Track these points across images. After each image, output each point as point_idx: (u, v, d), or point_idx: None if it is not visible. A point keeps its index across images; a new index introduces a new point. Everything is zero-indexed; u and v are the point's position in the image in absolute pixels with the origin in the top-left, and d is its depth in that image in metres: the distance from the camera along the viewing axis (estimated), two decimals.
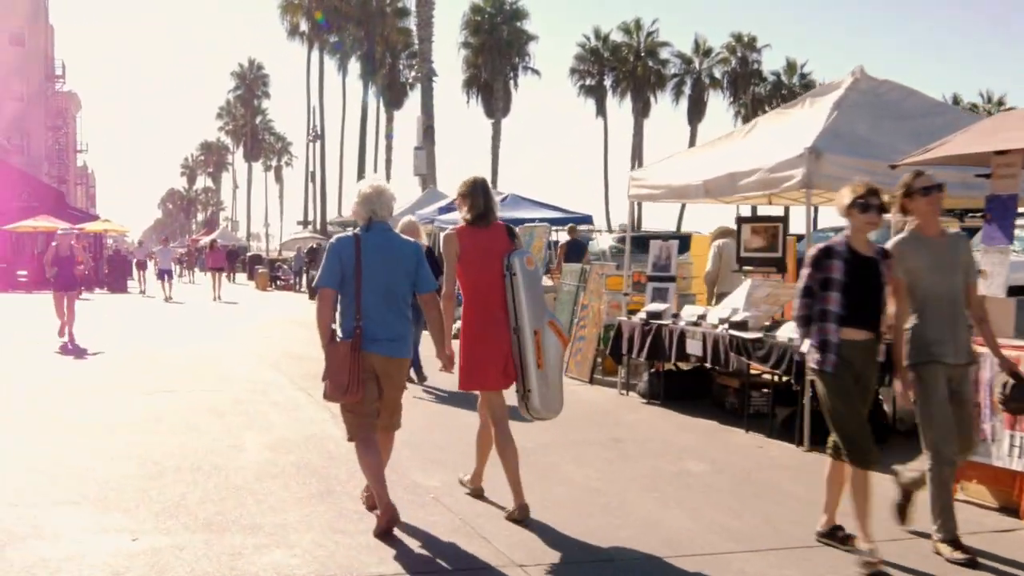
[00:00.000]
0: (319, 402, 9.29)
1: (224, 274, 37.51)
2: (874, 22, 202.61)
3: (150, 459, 7.75)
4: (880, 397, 9.93)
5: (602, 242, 28.98)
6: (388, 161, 67.37)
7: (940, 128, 9.44)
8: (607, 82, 72.13)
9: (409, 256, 6.10)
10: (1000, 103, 68.16)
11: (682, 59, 73.20)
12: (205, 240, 58.78)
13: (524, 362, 6.29)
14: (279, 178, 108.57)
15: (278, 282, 43.89)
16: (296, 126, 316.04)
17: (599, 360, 12.97)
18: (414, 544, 5.82)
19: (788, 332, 9.20)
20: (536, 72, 69.89)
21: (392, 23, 63.71)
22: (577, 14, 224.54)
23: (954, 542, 5.82)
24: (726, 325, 9.99)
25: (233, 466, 7.57)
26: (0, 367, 13.35)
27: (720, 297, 12.58)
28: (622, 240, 28.91)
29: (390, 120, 68.58)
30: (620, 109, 76.88)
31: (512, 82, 67.82)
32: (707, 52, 73.46)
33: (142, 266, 40.06)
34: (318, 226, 62.53)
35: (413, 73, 59.08)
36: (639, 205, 12.18)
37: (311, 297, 32.57)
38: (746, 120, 73.97)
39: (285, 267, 44.23)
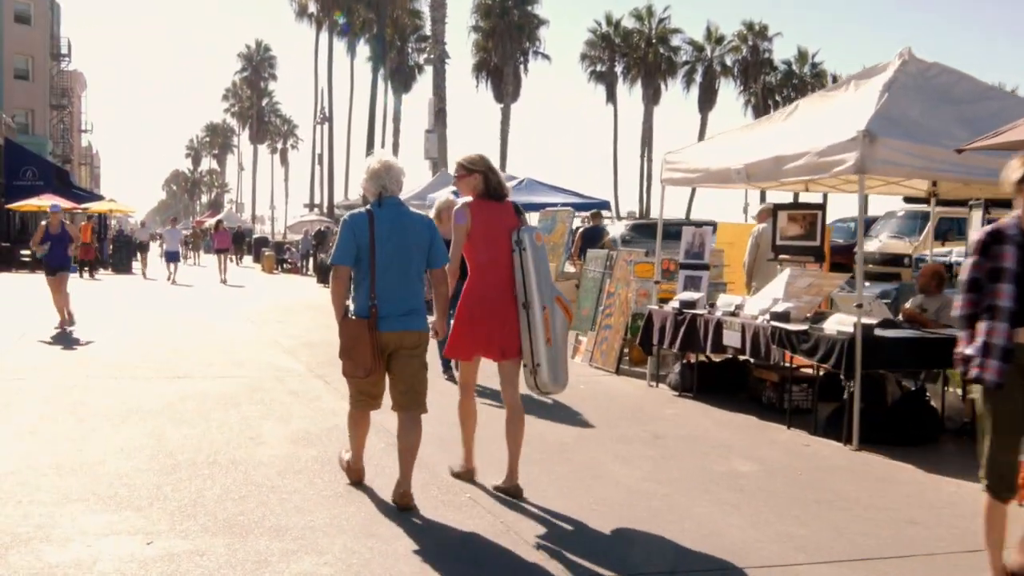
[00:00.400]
0: (339, 391, 8.84)
1: (230, 256, 36.79)
2: (885, 12, 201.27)
3: (163, 451, 7.26)
4: (927, 395, 9.48)
5: (613, 230, 28.45)
6: (396, 144, 66.61)
7: (994, 113, 8.96)
8: (618, 68, 71.45)
9: (422, 231, 6.06)
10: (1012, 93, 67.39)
11: (693, 46, 72.49)
12: (210, 222, 58.09)
13: (534, 337, 6.26)
14: (284, 161, 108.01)
15: (284, 265, 43.38)
16: (302, 109, 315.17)
17: (626, 350, 12.48)
18: (453, 550, 5.34)
19: (836, 324, 8.73)
20: (546, 57, 69.81)
21: (403, 4, 62.97)
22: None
23: None
24: (767, 316, 9.50)
25: (253, 460, 7.07)
26: (2, 351, 12.81)
27: (753, 287, 12.10)
28: (634, 228, 28.47)
29: (398, 103, 68.07)
30: (630, 96, 76.30)
31: (522, 67, 67.15)
32: (719, 40, 72.69)
33: (143, 248, 38.69)
34: (325, 209, 61.98)
35: (424, 56, 58.55)
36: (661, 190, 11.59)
37: (319, 280, 32.08)
38: (756, 109, 73.68)
39: (292, 250, 43.65)
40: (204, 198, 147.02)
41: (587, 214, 18.89)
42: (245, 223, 76.41)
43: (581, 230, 17.01)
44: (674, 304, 10.89)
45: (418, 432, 6.08)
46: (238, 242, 49.26)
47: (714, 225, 32.33)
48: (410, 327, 5.95)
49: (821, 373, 9.24)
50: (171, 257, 31.96)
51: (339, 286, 5.98)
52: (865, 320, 8.47)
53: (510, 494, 6.37)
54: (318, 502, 6.06)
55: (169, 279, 30.37)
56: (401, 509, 5.92)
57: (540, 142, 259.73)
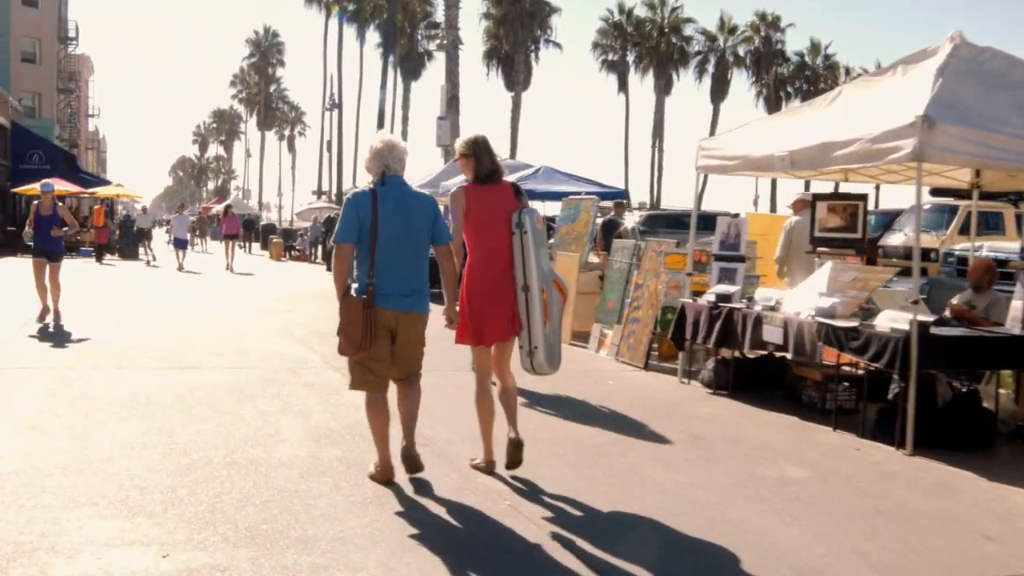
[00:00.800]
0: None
1: (238, 243, 36.12)
2: (899, 4, 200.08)
3: (176, 449, 6.78)
4: (980, 396, 8.98)
5: (626, 220, 27.88)
6: (404, 132, 66.07)
7: None
8: (630, 58, 70.85)
9: (425, 208, 6.08)
10: None
11: (706, 36, 71.88)
12: (218, 208, 57.56)
13: (531, 319, 6.32)
14: (292, 148, 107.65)
15: (292, 252, 42.86)
16: (310, 95, 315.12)
17: (654, 345, 11.98)
18: (497, 563, 4.86)
19: (889, 321, 8.24)
20: (558, 45, 68.97)
21: None
22: None
23: None
24: (811, 311, 9.00)
25: (273, 460, 6.59)
26: (2, 340, 12.34)
27: (787, 281, 11.58)
28: (647, 220, 27.89)
29: (407, 91, 67.45)
30: (641, 86, 75.56)
31: (533, 55, 66.52)
32: (732, 30, 72.04)
33: (145, 235, 36.86)
34: (333, 196, 61.50)
35: (436, 43, 57.84)
36: (704, 178, 11.13)
37: (329, 268, 31.50)
38: (768, 101, 73.14)
39: (302, 237, 43.10)
40: (211, 185, 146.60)
41: (609, 204, 18.34)
42: (253, 210, 75.82)
43: (602, 221, 16.55)
44: (709, 297, 10.40)
45: (417, 395, 6.23)
46: (248, 229, 48.74)
47: (736, 216, 31.82)
48: (411, 309, 5.99)
49: (867, 372, 8.76)
50: (179, 244, 31.27)
51: (341, 264, 5.97)
52: (921, 317, 7.97)
53: (512, 463, 6.42)
54: (347, 508, 5.59)
55: (177, 266, 29.75)
56: (409, 471, 6.11)
57: (551, 131, 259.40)
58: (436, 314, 6.26)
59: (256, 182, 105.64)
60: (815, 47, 74.48)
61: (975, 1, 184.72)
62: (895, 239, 21.49)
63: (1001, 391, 9.14)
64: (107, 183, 46.57)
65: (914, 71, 9.22)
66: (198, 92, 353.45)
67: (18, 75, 54.81)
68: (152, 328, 13.91)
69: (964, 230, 20.18)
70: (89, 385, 9.16)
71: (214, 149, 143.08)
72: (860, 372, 9.88)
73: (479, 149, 6.45)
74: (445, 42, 33.82)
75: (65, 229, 14.47)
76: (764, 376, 10.52)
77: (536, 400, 9.21)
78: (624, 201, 20.29)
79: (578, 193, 18.18)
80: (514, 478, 6.44)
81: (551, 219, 31.55)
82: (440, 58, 68.27)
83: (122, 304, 17.64)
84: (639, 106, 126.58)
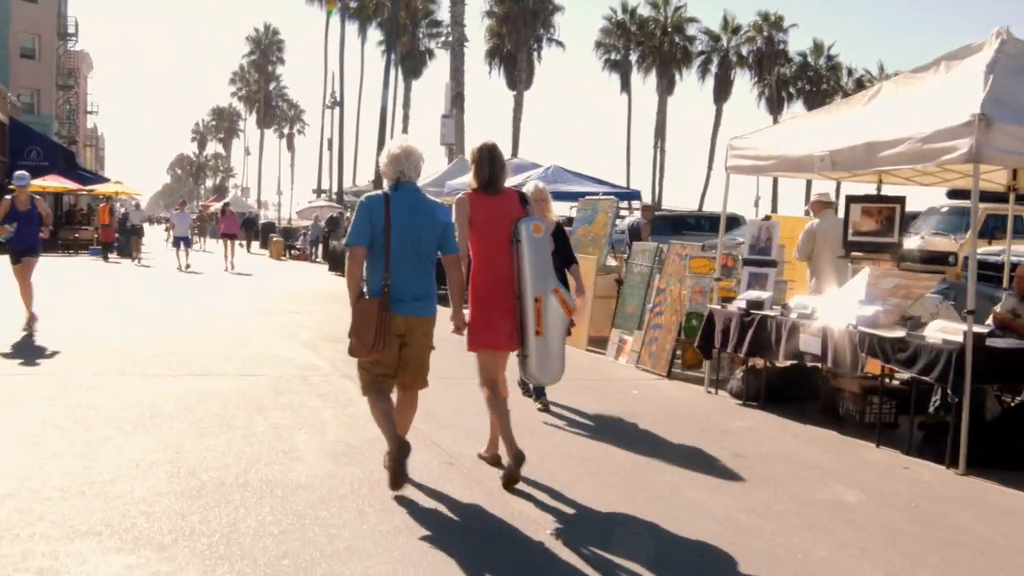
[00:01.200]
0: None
1: (237, 242, 35.08)
2: (901, 5, 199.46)
3: (184, 468, 6.29)
4: None
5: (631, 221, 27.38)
6: (405, 131, 65.59)
7: None
8: (633, 57, 70.31)
9: (438, 216, 6.09)
10: None
11: (709, 36, 71.37)
12: (216, 206, 56.92)
13: (524, 328, 6.35)
14: (291, 146, 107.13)
15: (292, 251, 42.32)
16: (309, 94, 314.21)
17: (677, 352, 11.50)
18: None
19: (940, 332, 7.77)
20: (561, 44, 68.75)
21: None
22: None
23: None
24: (851, 320, 8.53)
25: (289, 482, 6.10)
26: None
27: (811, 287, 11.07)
28: (652, 220, 27.34)
29: (408, 89, 66.93)
30: (644, 85, 74.99)
31: (536, 54, 65.95)
32: (735, 30, 71.52)
33: (137, 232, 34.43)
34: (334, 195, 60.96)
35: (441, 40, 57.34)
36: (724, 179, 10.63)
37: (331, 268, 30.99)
38: (770, 102, 72.61)
39: (304, 236, 42.53)
40: (209, 182, 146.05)
41: (636, 205, 17.88)
42: (252, 208, 75.21)
43: (628, 224, 16.23)
44: (739, 304, 9.92)
45: (415, 408, 6.35)
46: (249, 228, 48.12)
47: (739, 218, 31.33)
48: (420, 312, 6.02)
49: (913, 385, 8.29)
50: (180, 242, 30.26)
51: (354, 267, 6.01)
52: (976, 328, 7.51)
53: (498, 465, 6.50)
54: (375, 540, 5.10)
55: (179, 266, 28.92)
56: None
57: (553, 130, 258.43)
58: (445, 319, 6.21)
59: (255, 180, 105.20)
60: (818, 48, 74.04)
61: (978, 1, 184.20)
62: (911, 243, 20.98)
63: None
64: (105, 180, 45.95)
65: (958, 68, 8.76)
66: (197, 89, 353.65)
67: (17, 71, 54.22)
68: (155, 330, 13.40)
69: (982, 234, 19.72)
70: (90, 394, 8.66)
71: (213, 147, 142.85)
72: (897, 384, 9.46)
73: (481, 157, 6.51)
74: (451, 39, 33.30)
75: (45, 228, 13.48)
76: (795, 387, 10.06)
77: (560, 411, 8.74)
78: (649, 205, 19.93)
79: (593, 193, 17.73)
80: (551, 501, 5.96)
81: (568, 220, 31.14)
82: (441, 56, 68.09)
83: (124, 305, 17.09)
84: (641, 106, 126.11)
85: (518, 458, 6.18)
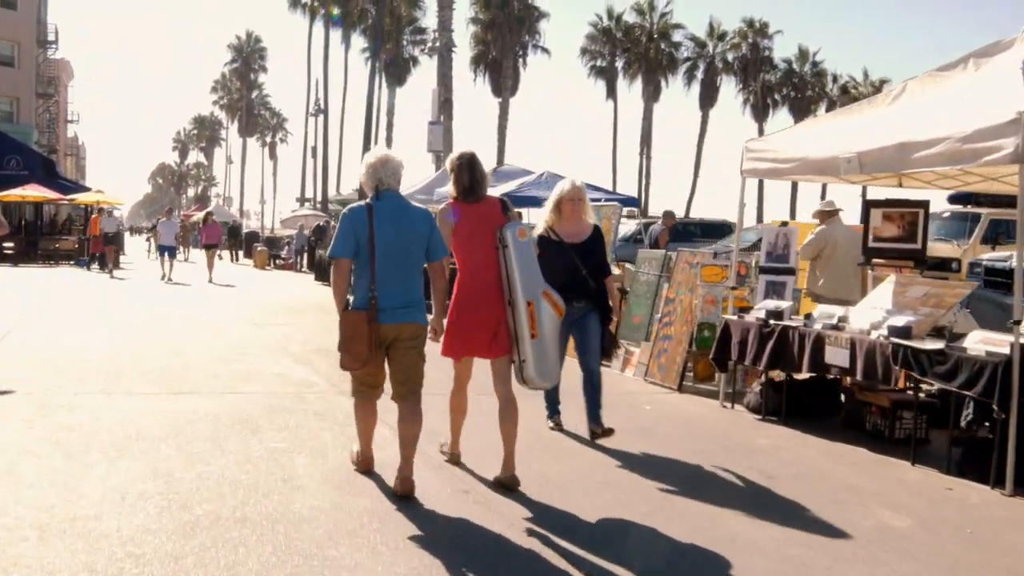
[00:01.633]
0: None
1: (218, 252, 33.96)
2: (886, 11, 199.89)
3: (176, 500, 5.74)
4: None
5: (622, 229, 26.85)
6: (389, 139, 64.97)
7: None
8: (618, 64, 69.83)
9: (422, 223, 6.09)
10: None
11: (695, 42, 70.92)
12: (199, 215, 56.08)
13: (519, 333, 6.33)
14: (273, 154, 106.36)
15: (277, 261, 41.66)
16: (292, 102, 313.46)
17: (688, 364, 11.00)
18: None
19: (983, 343, 7.30)
20: (546, 51, 67.64)
21: None
22: None
23: None
24: (883, 331, 8.05)
25: (291, 515, 5.55)
26: None
27: (828, 300, 10.56)
28: (644, 226, 26.91)
29: (392, 97, 66.34)
30: (630, 92, 74.56)
31: (521, 60, 65.34)
32: (721, 36, 71.14)
33: (110, 240, 32.26)
34: (318, 203, 60.33)
35: (428, 45, 56.73)
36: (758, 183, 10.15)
37: (318, 278, 30.37)
38: (755, 108, 72.29)
39: (287, 245, 41.87)
40: (191, 192, 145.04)
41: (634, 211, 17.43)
42: (235, 217, 74.39)
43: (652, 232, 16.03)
44: (758, 314, 9.42)
45: (419, 421, 6.14)
46: (233, 237, 47.36)
47: (728, 225, 30.87)
48: (408, 319, 5.99)
49: (953, 399, 7.79)
50: (165, 252, 29.16)
51: (340, 278, 6.06)
52: None
53: (506, 486, 6.33)
54: None
55: (164, 277, 27.86)
56: (400, 496, 5.95)
57: (539, 137, 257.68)
58: None
59: (237, 189, 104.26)
60: (803, 54, 73.73)
61: (963, 8, 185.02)
62: None
63: None
64: (86, 189, 45.20)
65: (988, 65, 8.33)
66: (179, 98, 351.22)
67: None
68: (140, 344, 12.81)
69: (991, 239, 19.34)
70: (72, 414, 8.09)
71: (194, 156, 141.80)
72: (924, 397, 8.97)
73: (460, 164, 6.53)
74: (438, 44, 32.71)
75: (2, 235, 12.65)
76: (817, 401, 9.58)
77: (574, 429, 8.22)
78: (671, 212, 19.64)
79: (602, 199, 17.27)
80: (584, 535, 5.43)
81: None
82: (425, 63, 67.67)
83: (109, 317, 16.47)
84: (627, 113, 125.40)
85: (512, 480, 6.38)
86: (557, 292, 6.69)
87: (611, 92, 70.01)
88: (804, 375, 9.53)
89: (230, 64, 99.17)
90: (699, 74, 71.30)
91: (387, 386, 6.28)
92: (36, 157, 43.48)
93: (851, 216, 14.55)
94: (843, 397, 9.57)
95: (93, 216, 34.51)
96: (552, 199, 8.10)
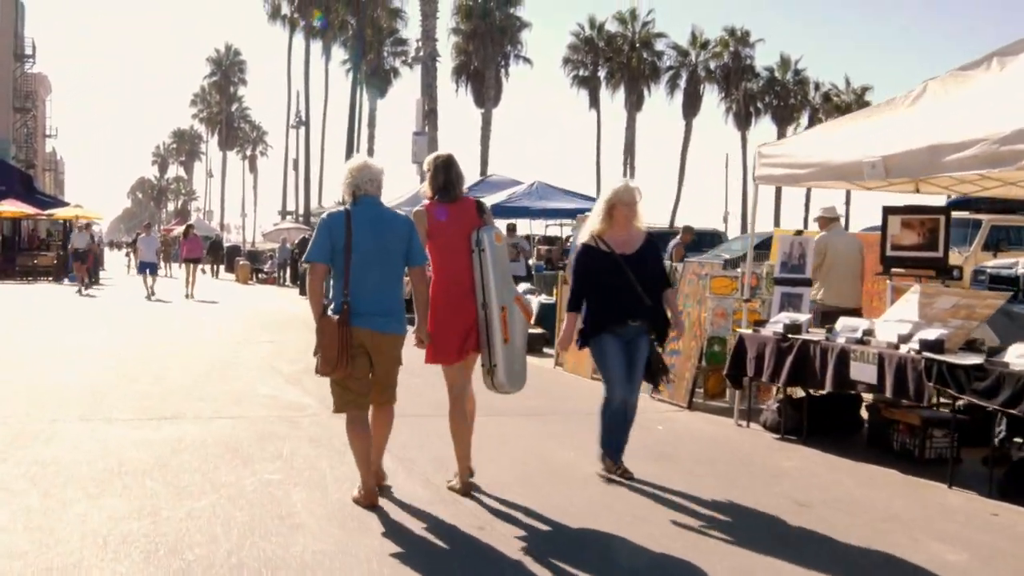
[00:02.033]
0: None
1: (200, 266, 32.95)
2: (867, 20, 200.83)
3: (164, 543, 5.19)
4: None
5: None
6: (371, 150, 64.39)
7: None
8: (601, 73, 69.46)
9: (400, 229, 6.08)
10: None
11: (678, 51, 70.62)
12: (179, 230, 55.27)
13: (491, 337, 6.28)
14: (254, 168, 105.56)
15: (259, 275, 41.01)
16: (272, 115, 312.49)
17: (698, 380, 10.51)
18: None
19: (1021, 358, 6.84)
20: (528, 61, 66.99)
21: (383, 1, 60.62)
22: (571, 2, 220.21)
23: None
24: (913, 345, 7.58)
25: (293, 560, 5.02)
26: None
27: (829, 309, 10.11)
28: None
29: (373, 108, 65.81)
30: (612, 102, 74.08)
31: (503, 71, 64.92)
32: (704, 45, 70.89)
33: (80, 256, 30.68)
34: (300, 216, 59.68)
35: (412, 55, 56.13)
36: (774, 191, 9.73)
37: (302, 292, 29.71)
38: (738, 116, 72.07)
39: (270, 259, 41.23)
40: (171, 206, 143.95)
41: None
42: (216, 231, 73.60)
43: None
44: (775, 328, 8.93)
45: (390, 426, 6.35)
46: (215, 252, 46.63)
47: (719, 234, 30.51)
48: (387, 329, 6.00)
49: (1005, 417, 7.35)
50: (147, 268, 28.14)
51: (316, 283, 6.02)
52: None
53: (465, 493, 6.38)
54: None
55: (147, 294, 26.73)
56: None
57: (522, 148, 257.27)
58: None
59: (218, 203, 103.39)
60: (785, 62, 73.61)
61: (943, 15, 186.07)
62: None
63: None
64: (65, 204, 44.49)
65: (1014, 64, 7.91)
66: (158, 112, 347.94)
67: None
68: (122, 366, 12.22)
69: (992, 245, 18.97)
70: (49, 445, 7.53)
71: (174, 170, 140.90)
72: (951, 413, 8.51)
73: (436, 164, 6.50)
74: (421, 54, 32.19)
75: None
76: (837, 418, 9.10)
77: (588, 451, 7.72)
78: (691, 227, 19.32)
79: (582, 210, 16.81)
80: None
81: (553, 239, 30.14)
82: (407, 75, 67.27)
83: (89, 338, 15.88)
84: (610, 122, 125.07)
85: (467, 485, 6.43)
86: (611, 313, 6.43)
87: (594, 101, 69.71)
88: (819, 392, 9.07)
89: (209, 77, 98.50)
90: (682, 83, 70.97)
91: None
92: (14, 172, 42.81)
93: (864, 223, 14.05)
94: (865, 413, 9.10)
95: (82, 230, 33.80)
96: (602, 203, 7.14)
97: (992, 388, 6.84)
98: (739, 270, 11.14)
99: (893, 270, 9.70)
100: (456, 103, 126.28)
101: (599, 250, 7.02)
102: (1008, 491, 6.98)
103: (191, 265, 29.42)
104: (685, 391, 10.43)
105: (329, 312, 5.94)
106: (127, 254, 50.49)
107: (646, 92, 70.11)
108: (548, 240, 30.76)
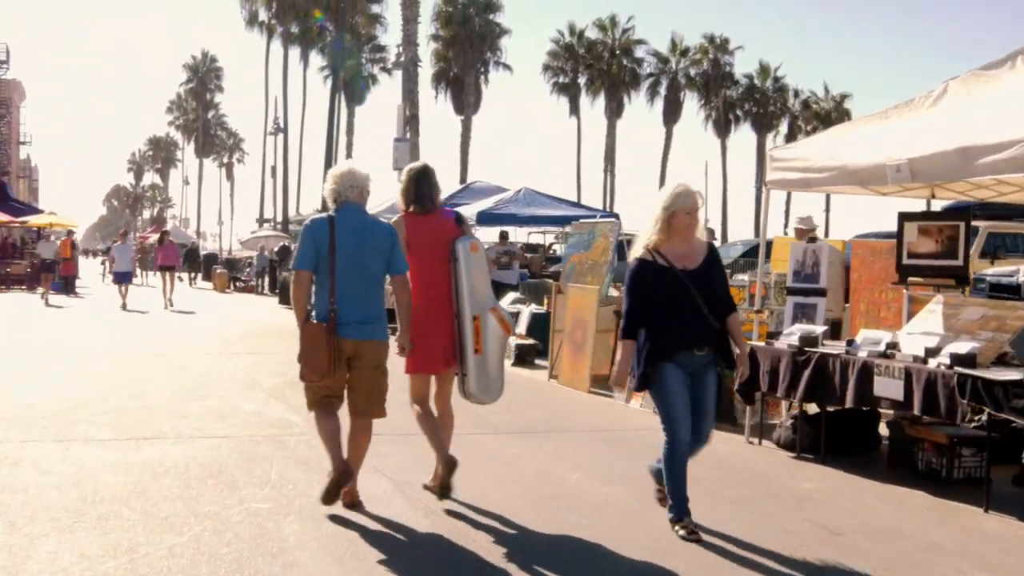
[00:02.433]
0: (367, 460, 6.35)
1: (176, 274, 31.97)
2: (846, 27, 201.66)
3: None
4: None
5: None
6: (350, 157, 63.84)
7: None
8: (581, 80, 69.18)
9: (383, 237, 6.05)
10: None
11: (658, 58, 70.46)
12: (154, 237, 54.43)
13: (462, 346, 6.27)
14: (230, 175, 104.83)
15: (237, 283, 40.31)
16: (248, 122, 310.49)
17: None
18: None
19: None
20: (508, 68, 66.66)
21: (362, 8, 60.05)
22: (550, 9, 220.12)
23: None
24: (943, 359, 7.13)
25: None
26: None
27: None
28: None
29: (351, 115, 65.20)
30: (593, 109, 73.69)
31: (483, 77, 64.55)
32: (684, 52, 70.77)
33: (47, 267, 30.45)
34: (279, 223, 59.01)
35: (392, 60, 55.16)
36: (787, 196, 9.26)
37: (282, 301, 29.09)
38: (717, 124, 71.89)
39: (250, 267, 40.52)
40: (147, 214, 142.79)
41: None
42: (193, 239, 72.75)
43: None
44: (790, 340, 8.48)
45: (368, 437, 6.19)
46: (191, 260, 45.84)
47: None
48: (368, 336, 5.96)
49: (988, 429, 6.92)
50: (121, 278, 27.21)
51: (300, 291, 6.01)
52: None
53: (443, 491, 6.29)
54: None
55: (123, 306, 25.74)
56: (346, 506, 6.10)
57: (502, 155, 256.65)
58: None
59: (194, 210, 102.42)
60: (764, 70, 73.57)
61: (921, 22, 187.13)
62: None
63: None
64: (39, 211, 43.72)
65: None
66: (134, 119, 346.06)
67: None
68: (97, 381, 11.62)
69: (988, 253, 18.64)
70: (16, 470, 6.98)
71: (150, 177, 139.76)
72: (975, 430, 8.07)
73: (408, 178, 6.48)
74: (403, 59, 31.62)
75: None
76: (854, 435, 8.65)
77: (596, 473, 7.24)
78: (711, 229, 18.77)
79: (571, 217, 16.39)
80: None
81: (535, 247, 29.63)
82: (385, 82, 66.64)
83: (62, 351, 15.26)
84: (591, 129, 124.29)
85: (450, 464, 6.21)
86: (673, 339, 5.77)
87: (574, 108, 69.45)
88: (833, 407, 8.62)
89: (186, 84, 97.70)
90: (662, 90, 70.93)
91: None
92: None
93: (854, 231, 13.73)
94: (884, 430, 8.66)
95: (63, 239, 33.05)
96: (661, 211, 6.04)
97: None
98: (744, 278, 10.73)
99: (910, 279, 9.25)
100: (436, 110, 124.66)
101: (656, 265, 5.96)
102: None
103: (167, 273, 28.57)
104: None
105: (312, 318, 5.93)
106: (102, 262, 49.67)
107: (626, 99, 70.11)
108: (530, 248, 30.33)
